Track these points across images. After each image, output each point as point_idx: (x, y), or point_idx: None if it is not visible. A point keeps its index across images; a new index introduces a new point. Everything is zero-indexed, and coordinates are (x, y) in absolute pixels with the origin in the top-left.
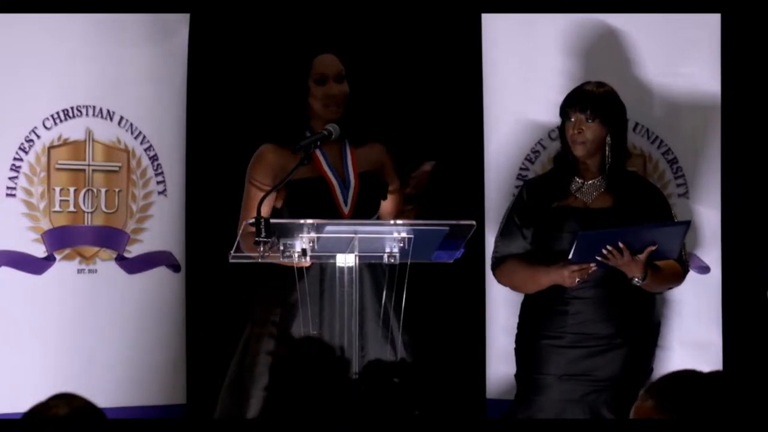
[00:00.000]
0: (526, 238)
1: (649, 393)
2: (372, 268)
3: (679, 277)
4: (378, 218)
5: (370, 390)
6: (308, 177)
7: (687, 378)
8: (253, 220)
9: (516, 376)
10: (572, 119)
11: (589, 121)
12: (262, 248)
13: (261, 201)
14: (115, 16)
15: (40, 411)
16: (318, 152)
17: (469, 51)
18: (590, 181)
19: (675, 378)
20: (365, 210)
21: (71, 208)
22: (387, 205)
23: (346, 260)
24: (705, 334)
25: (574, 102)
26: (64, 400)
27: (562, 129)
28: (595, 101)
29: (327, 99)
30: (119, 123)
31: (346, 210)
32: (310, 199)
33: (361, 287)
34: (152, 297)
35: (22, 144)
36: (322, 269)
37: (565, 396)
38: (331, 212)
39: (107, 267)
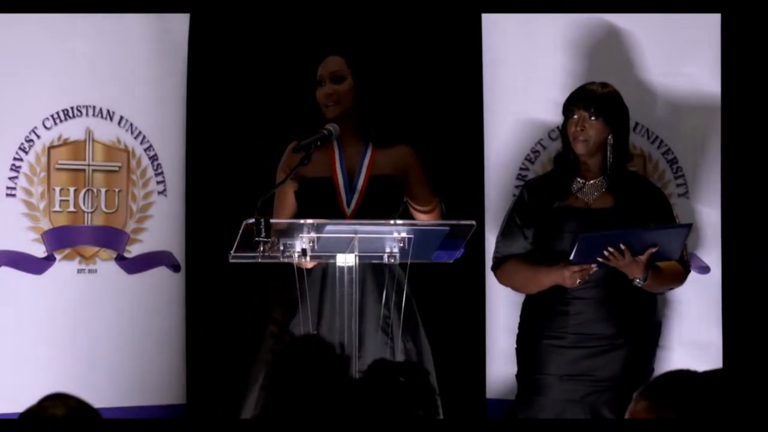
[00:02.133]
0: (527, 239)
1: (642, 395)
2: (374, 269)
3: (680, 278)
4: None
5: (374, 389)
6: (319, 176)
7: (678, 378)
8: (253, 220)
9: (517, 376)
10: (575, 116)
11: (592, 118)
12: (262, 248)
13: (261, 201)
14: (116, 16)
15: (36, 412)
16: (336, 151)
17: (469, 51)
18: (591, 181)
19: (666, 379)
20: (370, 215)
21: (71, 208)
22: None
23: (346, 260)
24: (705, 334)
25: (578, 99)
26: (59, 401)
27: (564, 127)
28: (598, 100)
29: (324, 99)
30: (119, 123)
31: (348, 212)
32: (315, 199)
33: (363, 288)
34: (152, 297)
35: (22, 144)
36: (324, 269)
37: (565, 396)
38: (334, 213)
39: (107, 267)
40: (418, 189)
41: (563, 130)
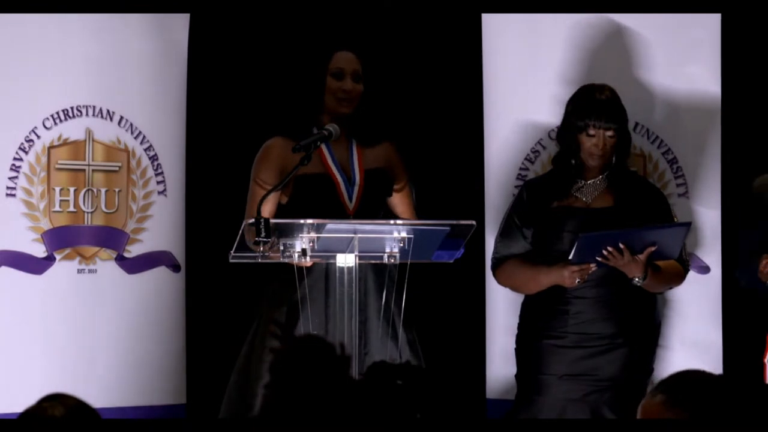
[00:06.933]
0: (526, 239)
1: (659, 389)
2: (376, 269)
3: (680, 277)
4: (386, 215)
5: (373, 391)
6: (313, 173)
7: (697, 376)
8: (253, 220)
9: (516, 376)
10: (591, 132)
11: (608, 134)
12: (261, 248)
13: (261, 201)
14: (115, 16)
15: (35, 412)
16: (324, 148)
17: (469, 51)
18: (590, 181)
19: (685, 375)
20: (371, 207)
21: (71, 208)
22: (398, 202)
23: (346, 260)
24: (705, 334)
25: (590, 113)
26: (58, 401)
27: (571, 135)
28: (609, 111)
29: (342, 94)
30: (119, 123)
31: (351, 207)
32: (315, 196)
33: (366, 288)
34: (152, 297)
35: (22, 144)
36: (327, 267)
37: (566, 396)
38: (336, 209)
39: (107, 267)
40: (399, 178)
41: (570, 136)
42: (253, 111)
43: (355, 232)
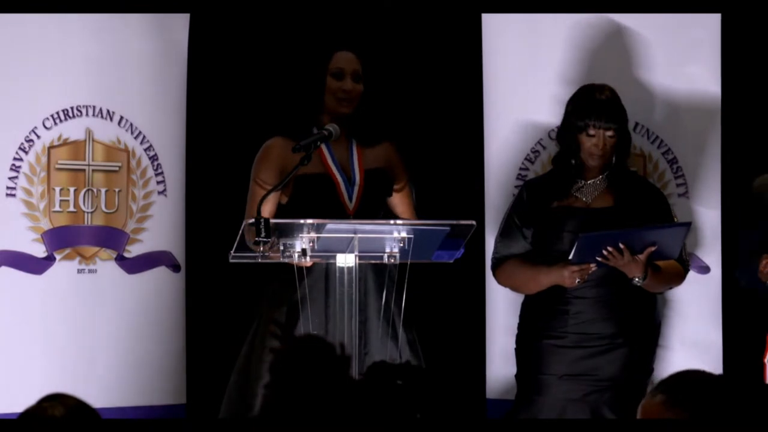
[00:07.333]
0: (526, 239)
1: (659, 389)
2: (376, 269)
3: (680, 277)
4: (386, 215)
5: (373, 391)
6: (313, 173)
7: (697, 376)
8: (253, 220)
9: (516, 376)
10: (591, 132)
11: (608, 134)
12: (261, 248)
13: (261, 201)
14: (115, 16)
15: (35, 412)
16: (324, 148)
17: (469, 51)
18: (591, 181)
19: (685, 375)
20: (371, 207)
21: (71, 208)
22: (398, 202)
23: (346, 260)
24: (705, 334)
25: (590, 113)
26: (58, 401)
27: (571, 135)
28: (609, 111)
29: (342, 94)
30: (119, 123)
31: (351, 207)
32: (315, 196)
33: (366, 288)
34: (152, 297)
35: (22, 144)
36: (327, 267)
37: (566, 396)
38: (336, 209)
39: (107, 267)
40: (399, 178)
41: (570, 136)
42: (253, 111)
43: (355, 232)
